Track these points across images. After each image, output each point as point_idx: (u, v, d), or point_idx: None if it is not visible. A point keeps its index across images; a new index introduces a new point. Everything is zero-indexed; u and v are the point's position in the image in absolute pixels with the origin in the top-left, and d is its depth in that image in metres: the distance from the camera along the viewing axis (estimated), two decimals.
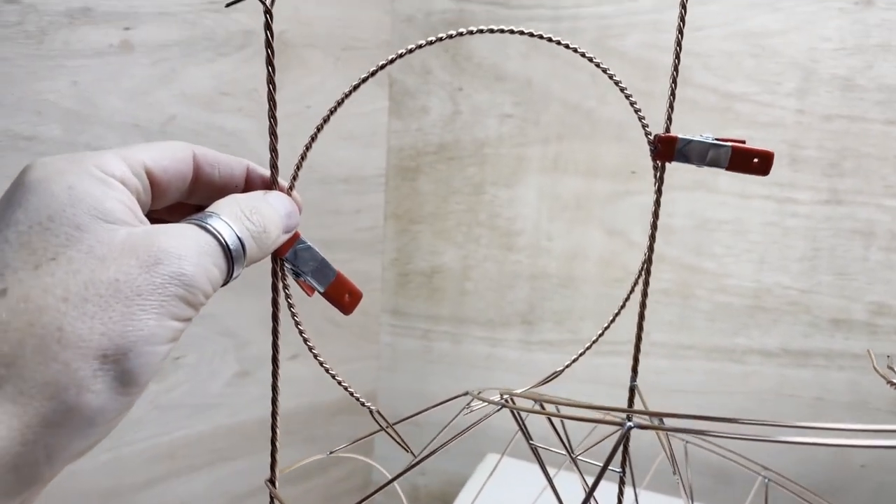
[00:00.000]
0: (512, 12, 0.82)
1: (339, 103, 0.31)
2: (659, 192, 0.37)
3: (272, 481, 0.35)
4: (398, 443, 0.37)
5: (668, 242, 0.78)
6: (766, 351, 0.77)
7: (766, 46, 0.72)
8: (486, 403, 0.34)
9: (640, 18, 0.76)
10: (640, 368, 0.40)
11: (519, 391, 0.36)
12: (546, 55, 0.81)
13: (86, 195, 0.25)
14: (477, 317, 0.90)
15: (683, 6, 0.33)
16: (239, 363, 0.77)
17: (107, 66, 0.61)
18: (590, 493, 0.26)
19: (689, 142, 0.35)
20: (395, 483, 0.34)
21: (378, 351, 0.96)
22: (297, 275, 0.33)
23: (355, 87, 0.31)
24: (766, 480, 0.43)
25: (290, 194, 0.32)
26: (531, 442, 0.37)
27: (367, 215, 0.90)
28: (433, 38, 0.31)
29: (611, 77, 0.35)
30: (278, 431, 0.34)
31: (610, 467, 0.25)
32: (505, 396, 0.34)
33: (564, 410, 0.36)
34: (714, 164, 0.35)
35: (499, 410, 0.32)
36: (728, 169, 0.35)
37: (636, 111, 0.35)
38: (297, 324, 0.34)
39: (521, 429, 0.35)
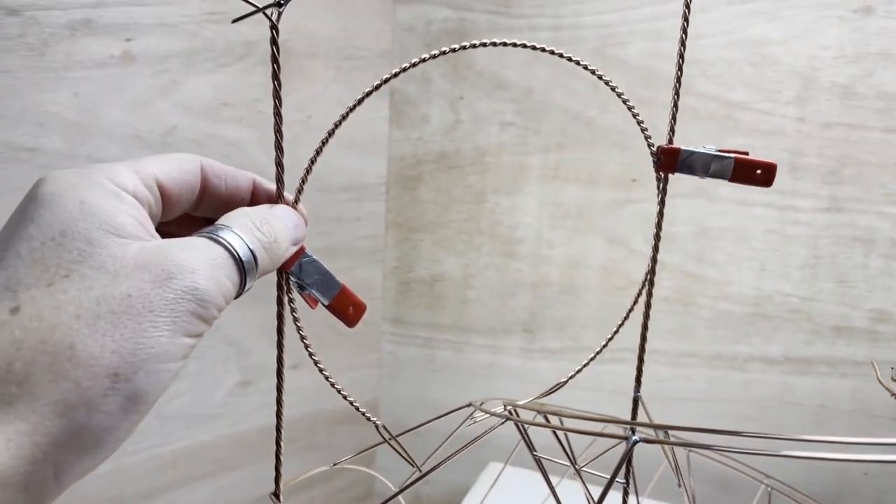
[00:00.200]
0: (513, 21, 0.82)
1: (344, 117, 0.31)
2: (662, 203, 0.37)
3: (276, 495, 0.35)
4: (403, 456, 0.37)
5: (670, 250, 0.78)
6: (767, 359, 0.77)
7: (766, 55, 0.72)
8: (489, 415, 0.34)
9: (642, 27, 0.77)
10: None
11: (522, 402, 0.36)
12: (547, 64, 0.81)
13: (98, 210, 0.25)
14: (478, 325, 0.90)
15: (686, 19, 0.34)
16: (241, 372, 0.77)
17: (108, 77, 0.61)
18: None
19: (693, 153, 0.35)
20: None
21: (379, 359, 0.95)
22: (301, 288, 0.33)
23: (359, 102, 0.31)
24: (769, 489, 0.43)
25: (296, 207, 0.33)
26: (535, 453, 0.37)
27: (367, 224, 0.90)
28: (436, 52, 0.31)
29: (613, 89, 0.35)
30: (282, 444, 0.34)
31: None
32: (508, 408, 0.34)
33: (568, 422, 0.36)
34: (718, 175, 0.35)
35: (503, 423, 0.32)
36: (731, 181, 0.35)
37: (639, 122, 0.35)
38: (302, 338, 0.34)
39: (525, 440, 0.35)
